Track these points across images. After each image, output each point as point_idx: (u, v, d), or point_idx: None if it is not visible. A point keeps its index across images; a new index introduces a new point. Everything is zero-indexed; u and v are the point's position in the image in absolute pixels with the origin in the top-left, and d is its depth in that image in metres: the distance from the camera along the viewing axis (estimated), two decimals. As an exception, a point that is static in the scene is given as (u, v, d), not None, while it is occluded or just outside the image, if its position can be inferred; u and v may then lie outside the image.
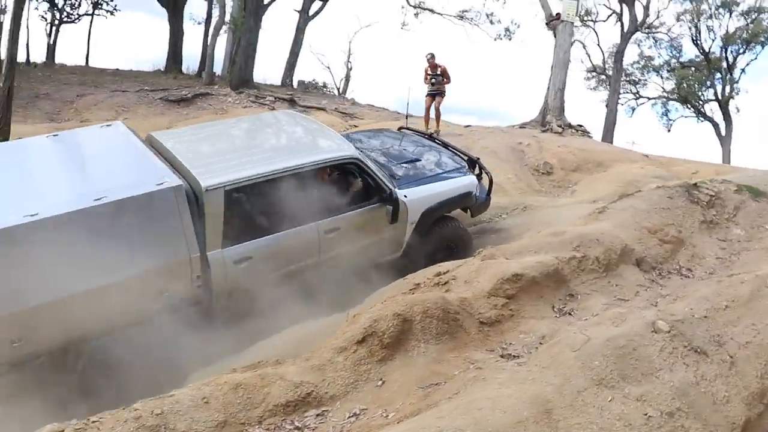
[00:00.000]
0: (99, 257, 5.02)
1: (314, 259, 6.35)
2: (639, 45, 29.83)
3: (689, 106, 30.86)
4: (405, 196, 6.82)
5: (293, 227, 6.19)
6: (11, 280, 4.86)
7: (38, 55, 23.30)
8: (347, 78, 34.80)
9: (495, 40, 23.07)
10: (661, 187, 7.69)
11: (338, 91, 33.98)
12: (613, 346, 4.23)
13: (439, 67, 13.02)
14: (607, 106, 27.24)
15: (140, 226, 5.26)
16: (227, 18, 20.42)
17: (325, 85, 34.39)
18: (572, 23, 16.66)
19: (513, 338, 4.72)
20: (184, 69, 23.50)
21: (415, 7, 24.75)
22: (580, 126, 16.45)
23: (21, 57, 21.82)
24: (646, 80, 32.08)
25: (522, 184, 12.44)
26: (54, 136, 6.51)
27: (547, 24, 16.89)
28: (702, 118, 30.83)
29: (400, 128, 9.26)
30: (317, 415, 4.02)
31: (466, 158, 8.12)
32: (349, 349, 4.35)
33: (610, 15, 28.08)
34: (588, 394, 3.82)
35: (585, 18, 28.33)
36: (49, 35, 22.78)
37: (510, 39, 23.04)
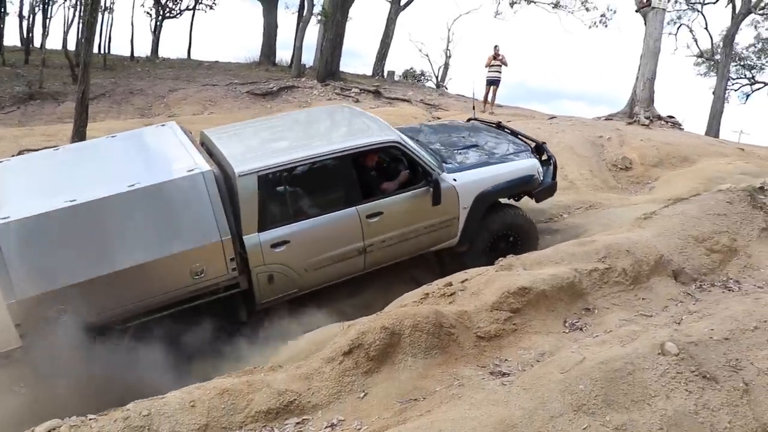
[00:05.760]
0: (130, 238, 5.44)
1: (358, 244, 6.40)
2: (756, 27, 27.78)
3: (812, 91, 28.54)
4: (455, 180, 6.72)
5: (332, 212, 6.28)
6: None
7: (144, 50, 24.77)
8: (446, 66, 34.56)
9: (590, 27, 22.33)
10: (722, 190, 7.21)
11: (436, 79, 33.83)
12: (605, 369, 4.02)
13: (500, 56, 16.27)
14: (714, 93, 25.61)
15: (173, 209, 5.59)
16: (315, 10, 20.80)
17: (422, 74, 34.37)
18: (664, 10, 15.72)
19: (510, 354, 4.59)
20: (279, 59, 24.19)
21: (511, -5, 24.30)
22: (671, 117, 15.57)
23: (125, 52, 23.34)
24: (763, 64, 29.97)
25: (596, 181, 11.98)
26: (113, 136, 6.97)
27: (637, 10, 16.07)
28: (828, 103, 28.46)
29: (469, 119, 9.22)
30: (297, 423, 4.08)
31: (532, 144, 7.92)
32: (336, 360, 4.38)
33: (721, -4, 26.25)
34: (561, 421, 3.66)
35: (692, 0, 26.68)
36: (154, 31, 24.13)
37: (606, 26, 22.19)
